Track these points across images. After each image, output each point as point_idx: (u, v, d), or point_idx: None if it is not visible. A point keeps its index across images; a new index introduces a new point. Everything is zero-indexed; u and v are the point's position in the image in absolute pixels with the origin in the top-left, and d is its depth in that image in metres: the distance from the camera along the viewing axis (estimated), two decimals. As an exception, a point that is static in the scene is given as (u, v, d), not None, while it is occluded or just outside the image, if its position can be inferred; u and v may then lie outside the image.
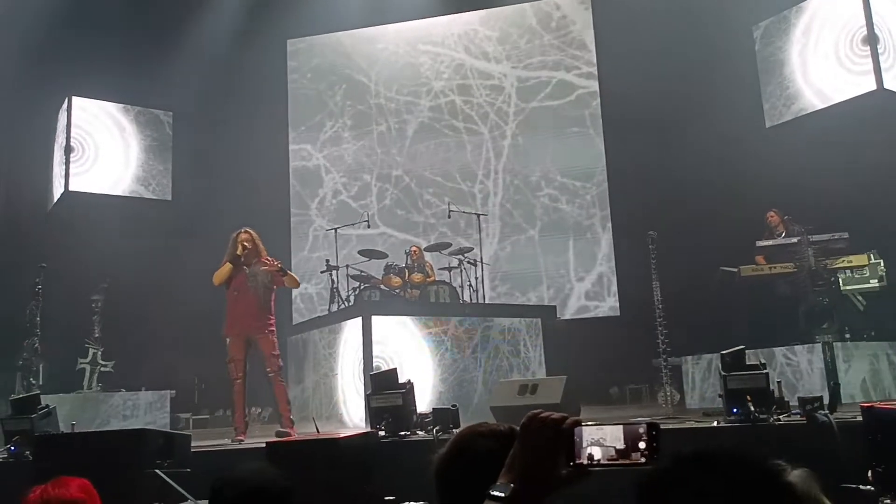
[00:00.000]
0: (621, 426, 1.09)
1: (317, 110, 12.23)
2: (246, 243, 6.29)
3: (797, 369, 6.54)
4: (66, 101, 10.22)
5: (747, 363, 5.03)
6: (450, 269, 9.12)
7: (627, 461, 1.07)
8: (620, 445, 1.07)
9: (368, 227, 10.20)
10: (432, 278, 8.94)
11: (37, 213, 10.45)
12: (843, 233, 7.22)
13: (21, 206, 10.20)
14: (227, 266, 6.30)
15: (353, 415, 7.46)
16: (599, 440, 1.08)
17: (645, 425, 1.08)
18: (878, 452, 3.41)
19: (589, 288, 10.80)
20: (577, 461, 1.09)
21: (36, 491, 1.98)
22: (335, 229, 9.72)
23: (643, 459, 1.06)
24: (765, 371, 4.85)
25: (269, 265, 6.31)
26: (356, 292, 8.91)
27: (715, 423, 4.85)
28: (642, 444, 1.07)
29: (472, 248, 9.26)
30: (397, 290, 8.67)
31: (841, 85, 8.80)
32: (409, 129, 11.85)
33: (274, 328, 6.32)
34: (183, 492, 4.11)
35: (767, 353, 6.49)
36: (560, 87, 11.41)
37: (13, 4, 9.35)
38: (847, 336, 7.08)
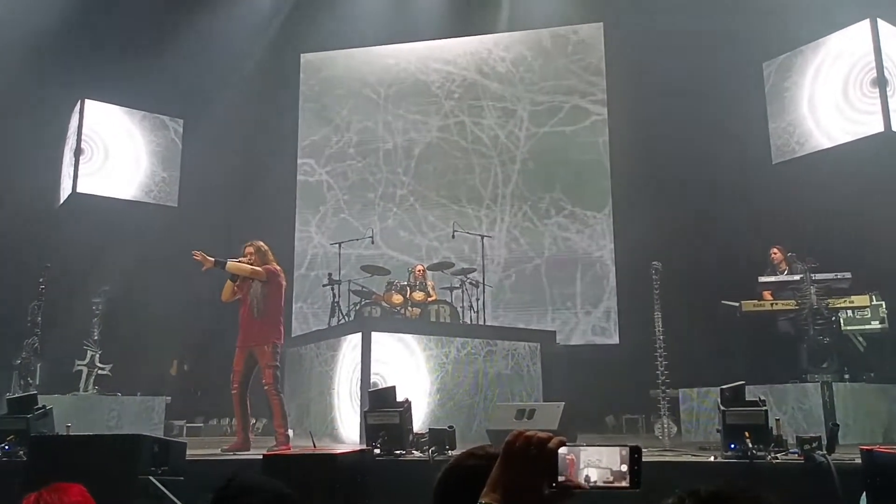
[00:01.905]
0: (606, 448, 1.09)
1: (322, 124, 12.14)
2: (245, 257, 6.29)
3: (797, 408, 6.51)
4: (79, 103, 10.30)
5: (747, 399, 5.03)
6: (451, 289, 9.12)
7: (613, 484, 1.08)
8: (616, 468, 1.08)
9: (373, 243, 10.19)
10: (433, 297, 8.94)
11: (43, 213, 10.49)
12: (845, 273, 7.23)
13: (28, 205, 10.23)
14: (227, 283, 6.32)
15: (348, 430, 7.43)
16: (596, 462, 1.08)
17: (627, 448, 1.08)
18: (877, 496, 3.40)
19: (596, 322, 10.57)
20: (560, 482, 1.08)
21: (31, 497, 1.96)
22: (339, 244, 9.74)
23: (626, 483, 1.07)
24: (764, 408, 4.84)
25: (199, 257, 6.10)
26: (357, 307, 8.92)
27: (712, 458, 4.83)
28: (624, 467, 1.07)
29: (475, 269, 9.27)
30: (398, 308, 8.66)
31: (849, 125, 8.86)
32: (416, 149, 11.75)
33: (274, 339, 6.21)
34: (176, 500, 4.09)
35: (780, 391, 6.50)
36: (573, 112, 11.29)
37: (30, 5, 9.44)
38: (846, 377, 7.07)
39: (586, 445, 1.10)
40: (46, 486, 2.01)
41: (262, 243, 6.45)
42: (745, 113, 9.68)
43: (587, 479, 1.08)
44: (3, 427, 5.23)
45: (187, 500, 4.08)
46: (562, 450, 1.09)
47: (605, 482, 1.07)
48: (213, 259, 6.15)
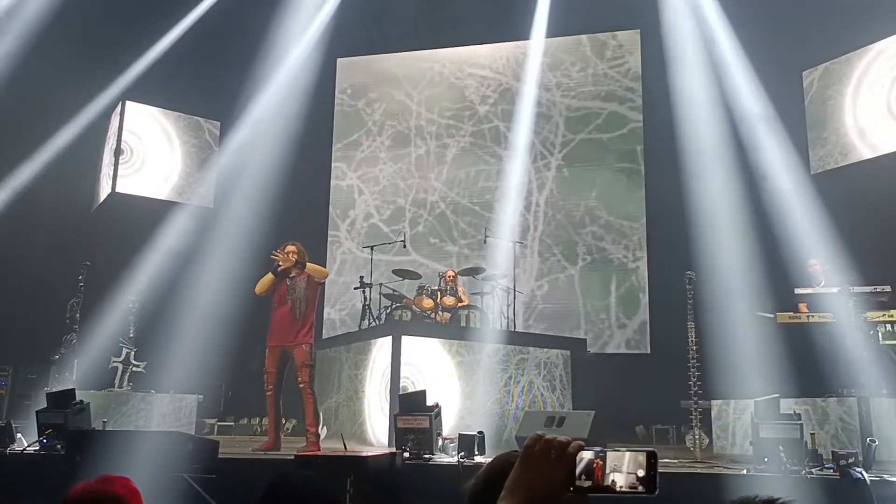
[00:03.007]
0: (625, 453, 1.09)
1: (354, 128, 12.09)
2: (289, 255, 6.37)
3: (841, 427, 6.38)
4: (120, 104, 10.50)
5: (781, 412, 4.97)
6: (482, 294, 9.11)
7: (632, 489, 1.07)
8: (635, 472, 1.08)
9: (405, 246, 10.21)
10: (464, 303, 8.93)
11: (83, 212, 10.71)
12: (885, 286, 7.08)
13: (69, 205, 10.46)
14: (268, 277, 6.39)
15: (377, 433, 7.46)
16: (618, 466, 1.08)
17: (644, 453, 1.08)
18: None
19: (630, 336, 10.35)
20: (578, 485, 1.08)
21: (79, 487, 2.01)
22: (371, 247, 9.78)
23: (642, 488, 1.07)
24: (799, 422, 4.78)
25: (283, 258, 6.32)
26: (387, 311, 8.96)
27: (744, 472, 4.78)
28: (641, 472, 1.07)
29: (506, 276, 9.24)
30: (428, 312, 8.68)
31: (891, 136, 8.71)
32: (448, 154, 11.66)
33: (311, 340, 6.35)
34: (208, 498, 4.15)
35: (821, 406, 6.40)
36: (611, 119, 11.08)
37: (71, 8, 9.64)
38: (884, 392, 6.91)
39: (601, 449, 1.10)
40: (94, 478, 2.06)
41: (300, 245, 6.56)
42: (782, 122, 9.54)
43: (613, 483, 1.07)
44: (42, 421, 5.35)
45: (220, 499, 4.13)
46: (587, 454, 1.09)
47: (629, 487, 1.07)
48: (294, 259, 6.34)
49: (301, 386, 6.22)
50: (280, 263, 6.33)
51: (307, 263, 6.39)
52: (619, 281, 10.57)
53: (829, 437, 6.22)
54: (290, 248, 6.44)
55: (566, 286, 10.75)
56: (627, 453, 1.09)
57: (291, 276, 6.37)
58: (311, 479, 1.64)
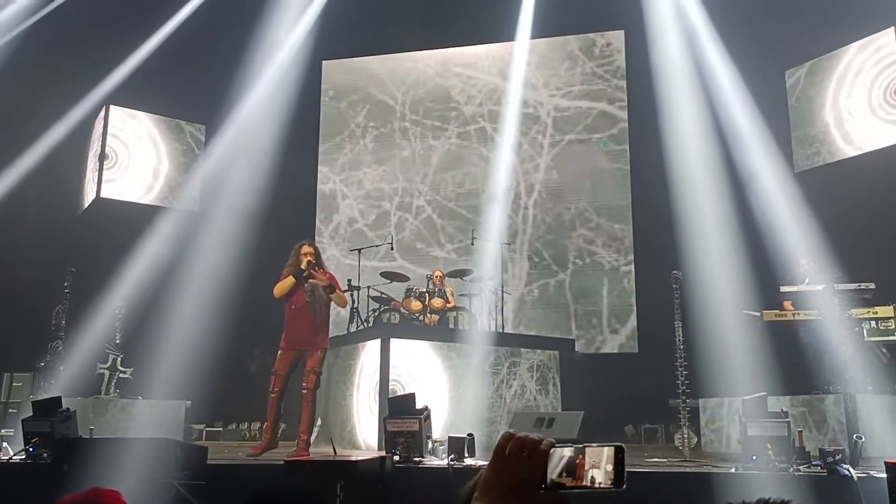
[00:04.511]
0: (598, 449, 1.10)
1: (336, 131, 11.93)
2: (310, 257, 6.33)
3: (833, 425, 6.42)
4: (104, 109, 10.43)
5: (769, 410, 5.00)
6: (470, 296, 9.11)
7: (603, 485, 1.08)
8: (607, 467, 1.08)
9: (392, 249, 10.18)
10: (452, 304, 8.93)
11: (67, 218, 10.63)
12: (869, 283, 7.15)
13: (53, 210, 10.38)
14: (290, 280, 6.28)
15: (367, 437, 7.44)
16: (598, 463, 1.09)
17: (613, 448, 1.09)
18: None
19: (624, 341, 10.25)
20: (550, 482, 1.08)
21: (67, 499, 1.98)
22: (358, 251, 9.75)
23: (610, 483, 1.07)
24: (786, 420, 4.82)
25: (319, 277, 6.29)
26: (375, 314, 8.94)
27: (733, 470, 4.80)
28: (610, 467, 1.08)
29: (495, 278, 9.24)
30: (416, 314, 8.67)
31: (874, 134, 8.80)
32: (434, 156, 11.54)
33: (326, 345, 6.32)
34: (197, 504, 4.13)
35: (818, 405, 6.42)
36: (600, 118, 10.96)
37: (56, 12, 9.57)
38: (869, 388, 6.97)
39: (576, 446, 1.10)
40: (83, 490, 2.03)
41: (315, 246, 6.57)
42: (766, 121, 9.61)
43: (592, 480, 1.08)
44: (28, 429, 5.30)
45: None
46: (567, 451, 1.09)
47: (606, 482, 1.08)
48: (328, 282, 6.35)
49: (304, 392, 6.14)
50: (304, 268, 6.26)
51: (337, 293, 6.38)
52: (610, 286, 10.46)
53: (827, 439, 6.23)
54: (307, 248, 6.38)
55: (557, 292, 10.64)
56: (604, 449, 1.08)
57: (312, 278, 6.31)
58: (290, 494, 1.63)
